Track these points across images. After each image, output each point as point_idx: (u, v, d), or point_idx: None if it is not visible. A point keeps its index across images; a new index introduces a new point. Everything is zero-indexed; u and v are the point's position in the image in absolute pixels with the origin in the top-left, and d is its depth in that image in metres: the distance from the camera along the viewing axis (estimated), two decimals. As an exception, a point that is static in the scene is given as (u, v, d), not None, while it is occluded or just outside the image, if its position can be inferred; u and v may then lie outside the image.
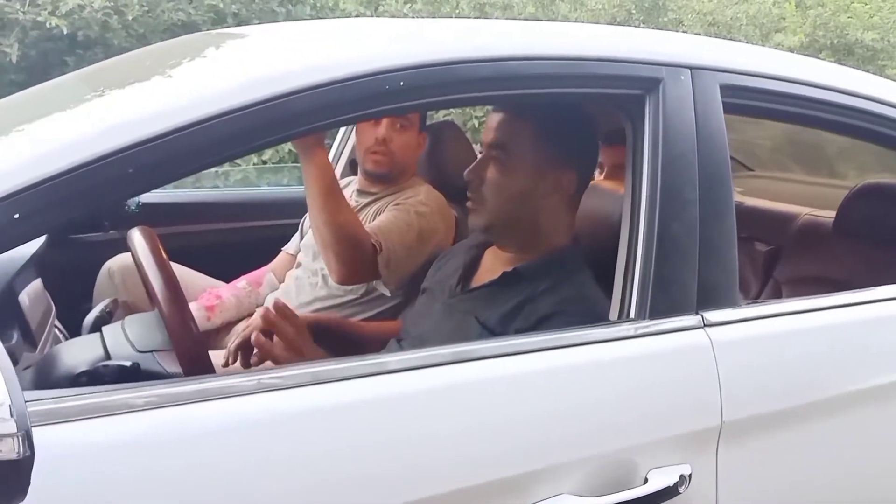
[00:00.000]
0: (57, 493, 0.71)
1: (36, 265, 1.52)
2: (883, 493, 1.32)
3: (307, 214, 2.03)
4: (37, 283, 1.50)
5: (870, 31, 7.59)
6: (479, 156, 1.39)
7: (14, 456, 0.62)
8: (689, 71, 1.21)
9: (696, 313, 1.15)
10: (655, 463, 1.06)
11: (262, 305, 1.94)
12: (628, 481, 1.05)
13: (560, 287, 1.32)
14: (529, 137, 1.33)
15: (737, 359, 1.14)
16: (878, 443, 1.29)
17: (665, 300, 1.14)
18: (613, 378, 1.09)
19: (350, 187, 1.97)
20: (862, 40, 7.62)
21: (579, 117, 1.39)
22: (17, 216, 0.79)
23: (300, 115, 0.96)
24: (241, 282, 1.95)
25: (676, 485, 1.06)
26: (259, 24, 6.33)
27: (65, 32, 5.25)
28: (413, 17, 6.58)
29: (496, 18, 6.59)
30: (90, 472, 0.73)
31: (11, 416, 0.61)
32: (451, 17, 6.44)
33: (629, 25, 7.23)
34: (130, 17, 5.47)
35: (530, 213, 1.36)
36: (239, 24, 6.10)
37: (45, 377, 1.11)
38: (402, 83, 1.01)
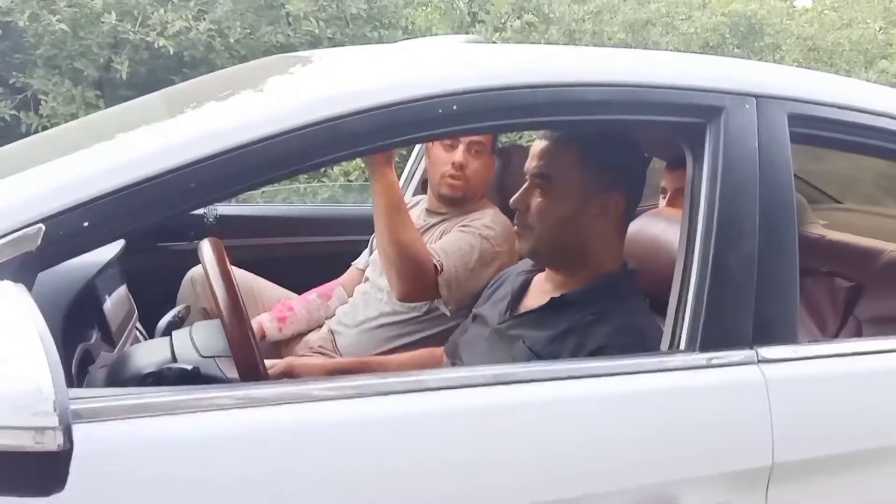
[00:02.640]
0: (92, 487, 0.75)
1: (123, 270, 1.61)
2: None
3: None
4: (121, 288, 1.59)
5: (985, 58, 7.16)
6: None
7: (55, 448, 0.66)
8: (754, 100, 1.18)
9: (751, 348, 1.11)
10: (699, 500, 1.03)
11: (331, 317, 1.99)
12: (669, 517, 1.03)
13: (609, 315, 1.30)
14: (572, 162, 1.32)
15: (792, 398, 1.10)
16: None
17: (718, 333, 1.11)
18: (660, 409, 1.07)
19: (419, 206, 2.00)
20: (976, 68, 7.18)
21: (625, 140, 1.37)
22: (86, 224, 0.85)
23: (358, 135, 0.99)
24: (312, 294, 2.01)
25: (719, 524, 1.02)
26: (352, 45, 6.50)
27: (171, 52, 5.53)
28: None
29: (585, 45, 6.57)
30: (124, 469, 0.78)
31: (55, 410, 0.66)
32: (545, 39, 6.45)
33: (723, 50, 7.06)
34: (233, 39, 5.72)
35: (577, 237, 1.35)
36: (334, 48, 6.30)
37: (117, 376, 1.17)
38: (455, 107, 1.03)
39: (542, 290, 1.42)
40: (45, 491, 0.68)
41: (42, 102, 5.23)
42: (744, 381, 1.09)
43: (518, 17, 6.59)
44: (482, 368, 1.10)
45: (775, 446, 1.06)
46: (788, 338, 1.14)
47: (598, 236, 1.36)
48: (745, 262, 1.13)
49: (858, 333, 1.84)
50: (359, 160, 5.40)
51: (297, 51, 6.06)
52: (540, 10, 6.60)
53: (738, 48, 7.06)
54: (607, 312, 1.30)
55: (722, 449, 1.07)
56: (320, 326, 2.00)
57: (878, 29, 7.13)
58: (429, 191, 1.98)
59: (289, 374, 1.57)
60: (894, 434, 1.15)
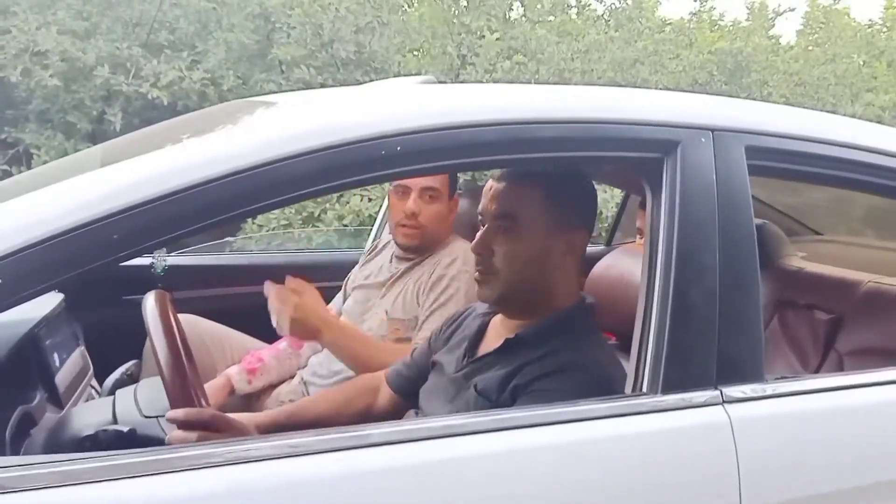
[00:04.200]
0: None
1: (81, 326, 1.57)
2: None
3: (350, 275, 2.05)
4: (76, 344, 1.55)
5: (971, 89, 7.19)
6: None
7: None
8: (710, 133, 1.16)
9: (715, 388, 1.07)
10: (664, 551, 0.98)
11: (301, 365, 1.95)
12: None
13: (559, 351, 1.25)
14: (538, 200, 1.27)
15: (758, 438, 1.05)
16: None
17: (680, 373, 1.07)
18: (624, 455, 1.02)
19: (386, 250, 1.98)
20: (963, 98, 7.21)
21: (582, 176, 1.34)
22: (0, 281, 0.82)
23: (300, 178, 0.96)
24: (282, 343, 1.96)
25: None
26: (343, 91, 6.56)
27: (165, 103, 5.56)
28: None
29: (575, 84, 6.61)
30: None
31: None
32: (535, 79, 6.48)
33: (711, 87, 7.09)
34: (226, 88, 5.76)
35: (544, 277, 1.30)
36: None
37: (56, 440, 1.12)
38: (398, 148, 1.00)
39: (497, 334, 1.37)
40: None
41: (34, 157, 5.24)
42: (708, 423, 1.05)
43: (507, 59, 6.64)
44: (438, 419, 1.06)
45: (742, 489, 1.01)
46: (754, 376, 1.10)
47: (561, 274, 1.32)
48: (707, 298, 1.09)
49: (840, 366, 1.79)
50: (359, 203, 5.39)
51: (288, 98, 6.13)
52: (528, 50, 6.65)
53: (725, 85, 7.10)
54: (559, 348, 1.25)
55: (689, 494, 1.02)
56: (292, 376, 1.95)
57: (861, 63, 7.17)
58: (392, 240, 1.96)
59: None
60: (865, 473, 1.09)
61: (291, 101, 1.36)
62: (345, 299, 2.03)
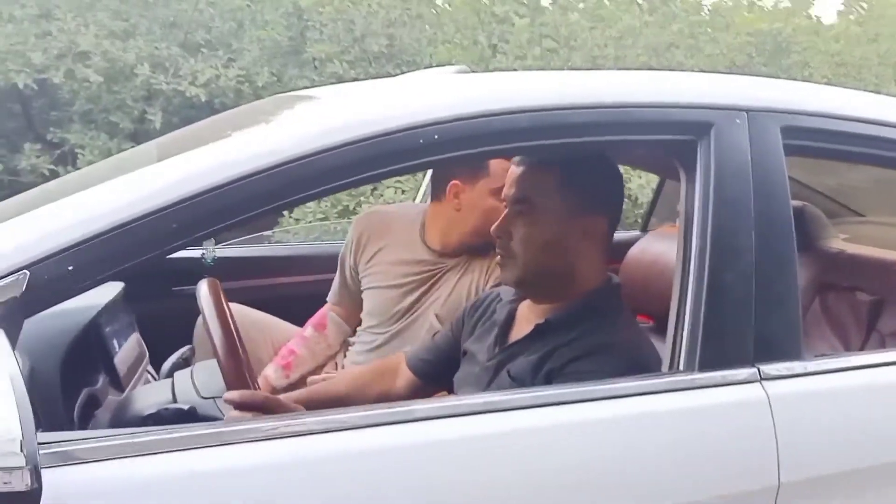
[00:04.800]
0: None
1: (137, 315, 1.64)
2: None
3: (347, 268, 2.03)
4: (132, 331, 1.62)
5: None
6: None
7: (23, 488, 0.67)
8: (745, 114, 1.17)
9: (753, 366, 1.09)
10: (704, 524, 1.00)
11: (331, 346, 1.98)
12: (674, 542, 0.99)
13: (590, 334, 1.27)
14: (554, 187, 1.29)
15: (796, 415, 1.06)
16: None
17: (718, 351, 1.09)
18: (662, 431, 1.05)
19: (394, 247, 1.94)
20: None
21: (604, 161, 1.35)
22: (70, 268, 0.87)
23: (343, 168, 1.00)
24: (307, 330, 2.00)
25: (727, 550, 0.99)
26: (377, 85, 6.60)
27: (203, 101, 5.67)
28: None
29: (608, 68, 6.56)
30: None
31: (22, 450, 0.67)
32: (568, 65, 6.44)
33: (749, 69, 6.98)
34: (260, 85, 5.85)
35: (561, 261, 1.32)
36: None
37: (119, 419, 1.19)
38: (436, 136, 1.03)
39: (527, 320, 1.39)
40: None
41: (79, 156, 5.39)
42: (746, 400, 1.07)
43: (538, 45, 6.62)
44: (477, 396, 1.09)
45: (781, 465, 1.03)
46: (792, 354, 1.11)
47: (582, 259, 1.33)
48: (743, 278, 1.10)
49: (882, 348, 1.78)
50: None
51: (323, 93, 6.20)
52: (560, 37, 6.62)
53: (765, 67, 6.98)
54: (589, 330, 1.28)
55: (727, 470, 1.04)
56: (328, 359, 1.99)
57: (906, 40, 7.01)
58: (432, 240, 1.90)
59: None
60: None
61: (331, 94, 1.40)
62: (348, 292, 2.01)
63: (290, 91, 6.31)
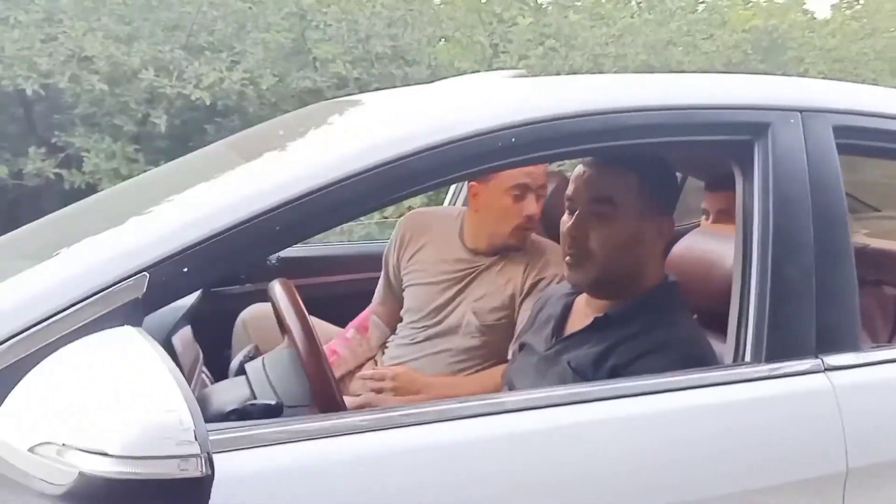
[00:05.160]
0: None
1: (187, 315, 1.68)
2: None
3: (391, 267, 2.09)
4: (187, 332, 1.66)
5: None
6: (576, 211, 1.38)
7: (198, 475, 0.72)
8: (798, 114, 1.22)
9: (816, 357, 1.14)
10: (781, 507, 1.05)
11: (372, 348, 2.03)
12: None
13: (652, 330, 1.31)
14: (634, 188, 1.33)
15: (861, 403, 1.11)
16: None
17: (782, 343, 1.13)
18: (733, 421, 1.09)
19: (433, 244, 2.01)
20: None
21: (668, 163, 1.40)
22: (185, 269, 0.91)
23: (423, 173, 1.04)
24: (349, 331, 2.05)
25: (802, 532, 1.04)
26: (378, 87, 6.63)
27: (207, 103, 5.69)
28: (528, 72, 6.69)
29: (610, 69, 6.61)
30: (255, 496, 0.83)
31: (196, 439, 0.72)
32: (564, 71, 6.51)
33: (746, 66, 7.06)
34: (265, 87, 5.88)
35: (635, 261, 1.37)
36: (360, 89, 6.43)
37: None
38: (513, 140, 1.08)
39: (584, 313, 1.44)
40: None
41: (84, 160, 5.40)
42: (812, 390, 1.11)
43: (540, 44, 6.68)
44: (551, 390, 1.14)
45: (848, 452, 1.08)
46: (851, 345, 1.16)
47: (651, 258, 1.39)
48: (804, 273, 1.15)
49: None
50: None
51: (325, 95, 6.21)
52: (561, 36, 6.68)
53: (761, 63, 7.07)
54: (650, 326, 1.32)
55: (797, 457, 1.09)
56: (368, 359, 2.04)
57: (901, 35, 7.12)
58: (468, 240, 1.95)
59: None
60: None
61: (380, 99, 1.44)
62: (391, 291, 2.06)
63: (294, 92, 6.32)
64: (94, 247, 0.95)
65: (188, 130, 6.32)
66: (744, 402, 1.10)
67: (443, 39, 6.80)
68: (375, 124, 1.18)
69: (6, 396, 0.82)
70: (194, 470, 0.72)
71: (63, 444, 0.74)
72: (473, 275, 1.92)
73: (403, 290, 1.99)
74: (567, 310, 1.48)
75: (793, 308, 1.14)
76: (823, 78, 6.94)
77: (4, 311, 0.87)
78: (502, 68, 6.65)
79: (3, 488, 0.77)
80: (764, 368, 1.12)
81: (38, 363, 0.83)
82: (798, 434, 1.10)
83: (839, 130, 1.22)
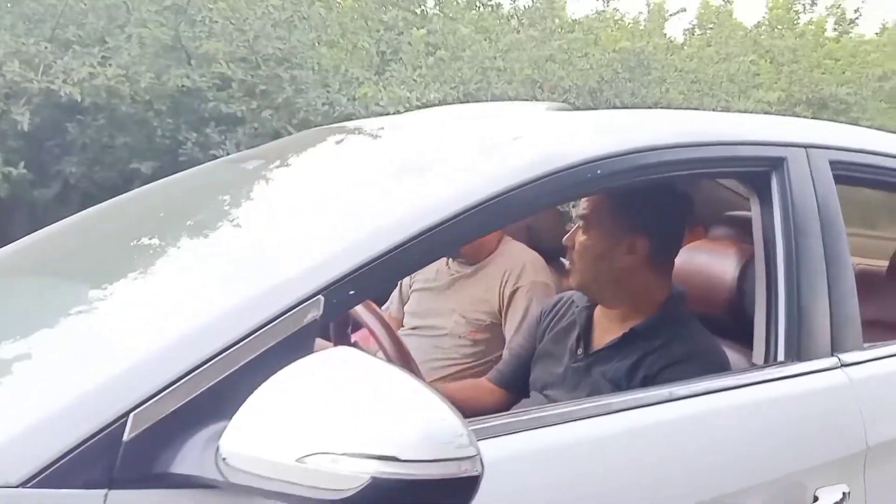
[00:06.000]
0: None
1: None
2: None
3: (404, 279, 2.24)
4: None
5: (843, 86, 8.14)
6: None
7: (475, 473, 0.83)
8: (804, 150, 1.47)
9: (833, 355, 1.39)
10: (820, 482, 1.28)
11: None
12: (802, 500, 1.26)
13: (674, 341, 1.55)
14: (608, 208, 1.59)
15: (873, 392, 1.37)
16: None
17: (806, 345, 1.38)
18: (776, 414, 1.32)
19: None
20: (836, 94, 8.15)
21: (659, 190, 1.60)
22: (352, 292, 1.00)
23: (532, 201, 1.18)
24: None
25: (840, 501, 1.27)
26: (265, 89, 6.54)
27: (78, 99, 5.40)
28: (420, 82, 6.82)
29: (497, 82, 6.91)
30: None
31: (470, 443, 0.82)
32: (455, 80, 6.73)
33: (615, 83, 7.62)
34: (143, 85, 5.65)
35: (609, 273, 1.61)
36: (245, 90, 6.33)
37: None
38: (598, 171, 1.24)
39: (608, 326, 1.65)
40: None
41: (-62, 157, 4.97)
42: (834, 384, 1.36)
43: (431, 55, 6.87)
44: (623, 395, 1.30)
45: (867, 433, 1.33)
46: (857, 344, 1.42)
47: (632, 273, 1.61)
48: (819, 284, 1.40)
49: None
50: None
51: (206, 95, 6.06)
52: (449, 47, 6.91)
53: (629, 82, 7.64)
54: (672, 338, 1.55)
55: (828, 440, 1.33)
56: None
57: (749, 62, 7.96)
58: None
59: None
60: None
61: (419, 123, 1.56)
62: (403, 300, 2.22)
63: (173, 91, 6.11)
64: (278, 268, 1.02)
65: (49, 128, 5.95)
66: (783, 398, 1.33)
67: (326, 45, 6.81)
68: (499, 150, 1.29)
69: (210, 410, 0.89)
70: (472, 469, 0.82)
71: (343, 454, 0.82)
72: (456, 281, 2.09)
73: (409, 296, 2.14)
74: (590, 322, 1.67)
75: (814, 314, 1.39)
76: (683, 98, 7.65)
77: (209, 328, 0.94)
78: (394, 77, 6.78)
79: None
80: (794, 367, 1.36)
81: (240, 380, 0.90)
82: (827, 422, 1.35)
83: (834, 164, 1.49)
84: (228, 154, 5.89)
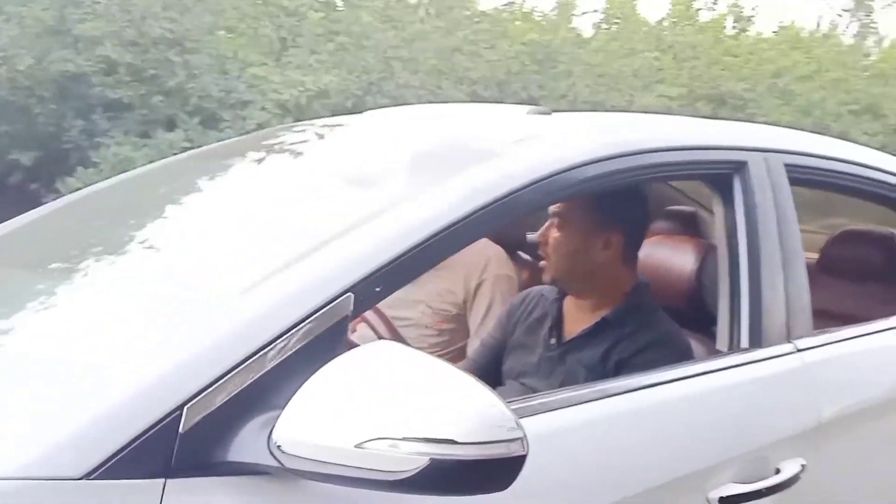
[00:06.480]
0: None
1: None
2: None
3: None
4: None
5: (740, 83, 8.79)
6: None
7: (523, 453, 0.96)
8: (762, 154, 1.70)
9: (789, 341, 1.62)
10: (783, 455, 1.50)
11: None
12: (765, 472, 1.48)
13: (643, 328, 1.76)
14: (583, 206, 1.78)
15: (824, 373, 1.62)
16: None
17: (768, 333, 1.60)
18: (742, 395, 1.53)
19: None
20: (734, 91, 8.78)
21: (629, 189, 1.79)
22: (378, 289, 1.13)
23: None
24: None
25: (799, 473, 1.49)
26: (155, 73, 6.40)
27: (-51, 83, 5.17)
28: (319, 68, 6.87)
29: (401, 72, 7.04)
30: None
31: (517, 425, 0.96)
32: (357, 69, 6.82)
33: (522, 75, 7.92)
34: (22, 68, 5.47)
35: (585, 267, 1.81)
36: (132, 75, 6.21)
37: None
38: (591, 174, 1.42)
39: (577, 318, 1.84)
40: (502, 487, 0.97)
41: None
42: (792, 367, 1.59)
43: (330, 41, 6.93)
44: (605, 384, 1.48)
45: (821, 409, 1.58)
46: (808, 331, 1.66)
47: (607, 266, 1.81)
48: (777, 276, 1.63)
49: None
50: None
51: (90, 80, 5.90)
52: (353, 34, 6.99)
53: (536, 74, 7.97)
54: (640, 326, 1.76)
55: (787, 418, 1.56)
56: None
57: (653, 57, 8.46)
58: None
59: None
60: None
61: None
62: None
63: (52, 74, 5.90)
64: (310, 267, 1.14)
65: None
66: (749, 381, 1.55)
67: (225, 30, 6.76)
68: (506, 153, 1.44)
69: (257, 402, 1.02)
70: (520, 450, 0.96)
71: (403, 438, 0.94)
72: (424, 274, 2.25)
73: None
74: (560, 313, 1.85)
75: (773, 304, 1.62)
76: (590, 92, 8.05)
77: (251, 326, 1.05)
78: (293, 62, 6.80)
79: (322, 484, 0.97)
80: (757, 353, 1.58)
81: (283, 373, 1.04)
82: (785, 402, 1.58)
83: (789, 167, 1.73)
84: (116, 142, 5.77)
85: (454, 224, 1.21)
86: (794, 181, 1.75)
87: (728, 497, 1.40)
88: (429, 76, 7.32)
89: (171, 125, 6.17)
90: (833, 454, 1.58)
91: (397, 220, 1.20)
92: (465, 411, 0.96)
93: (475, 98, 7.35)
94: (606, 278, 1.82)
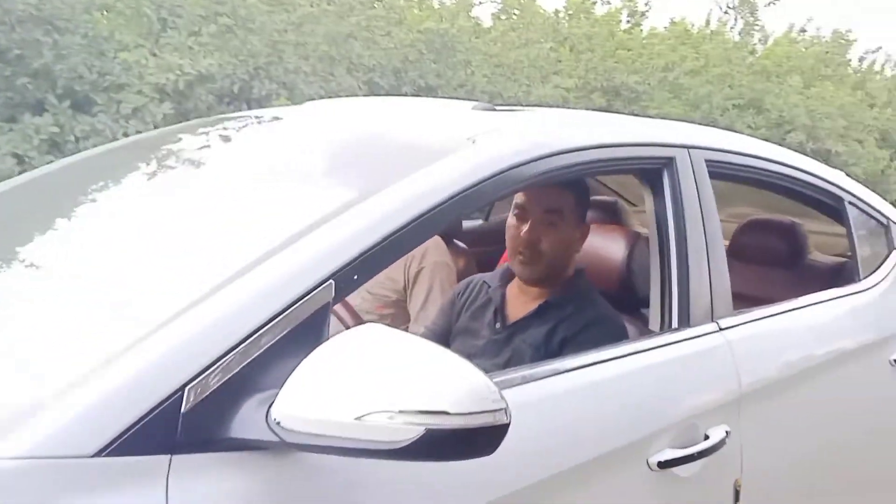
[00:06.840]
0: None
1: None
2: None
3: None
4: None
5: (633, 76, 9.28)
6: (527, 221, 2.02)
7: (507, 421, 1.12)
8: (687, 150, 1.95)
9: (713, 321, 1.87)
10: (708, 423, 1.74)
11: None
12: (696, 438, 1.71)
13: (583, 308, 2.00)
14: (574, 202, 2.02)
15: (743, 348, 1.87)
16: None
17: (695, 314, 1.84)
18: (674, 371, 1.77)
19: None
20: (627, 83, 9.27)
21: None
22: (356, 277, 1.29)
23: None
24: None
25: (724, 438, 1.74)
26: (21, 54, 6.21)
27: None
28: (198, 50, 6.82)
29: (290, 57, 7.06)
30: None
31: (501, 397, 1.12)
32: (243, 54, 6.80)
33: (420, 65, 8.09)
34: None
35: (566, 260, 2.05)
36: (0, 55, 6.01)
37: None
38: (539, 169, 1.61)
39: (522, 303, 2.06)
40: (488, 452, 1.13)
41: None
42: (717, 344, 1.84)
43: (213, 22, 6.88)
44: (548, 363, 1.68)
45: (741, 381, 1.83)
46: (729, 311, 1.92)
47: (573, 256, 2.06)
48: (702, 261, 1.88)
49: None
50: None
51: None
52: (238, 17, 6.96)
53: (434, 63, 8.15)
54: (581, 306, 2.00)
55: (712, 389, 1.80)
56: None
57: (549, 48, 8.82)
58: None
59: None
60: (804, 362, 2.02)
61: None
62: None
63: None
64: (293, 255, 1.28)
65: None
66: (680, 358, 1.78)
67: (101, 10, 6.61)
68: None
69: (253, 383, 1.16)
70: (504, 419, 1.13)
71: (400, 411, 1.08)
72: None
73: None
74: (503, 299, 2.05)
75: (699, 287, 1.86)
76: (487, 81, 8.32)
77: (242, 311, 1.19)
78: (171, 44, 6.70)
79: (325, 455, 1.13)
80: (686, 333, 1.82)
81: (274, 356, 1.18)
82: (711, 375, 1.83)
83: (709, 162, 1.98)
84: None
85: (423, 215, 1.38)
86: (713, 175, 2.00)
87: (666, 461, 1.63)
88: (321, 62, 7.37)
89: (39, 108, 6.00)
90: (752, 420, 1.84)
91: (369, 213, 1.36)
92: (455, 385, 1.12)
93: (371, 86, 7.46)
94: (566, 267, 2.05)
